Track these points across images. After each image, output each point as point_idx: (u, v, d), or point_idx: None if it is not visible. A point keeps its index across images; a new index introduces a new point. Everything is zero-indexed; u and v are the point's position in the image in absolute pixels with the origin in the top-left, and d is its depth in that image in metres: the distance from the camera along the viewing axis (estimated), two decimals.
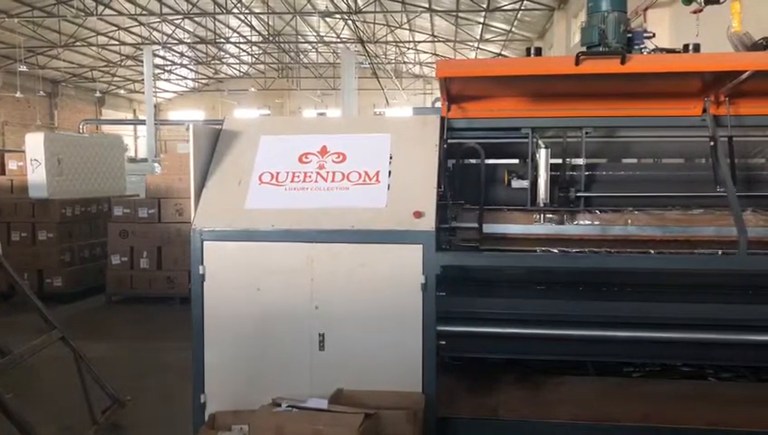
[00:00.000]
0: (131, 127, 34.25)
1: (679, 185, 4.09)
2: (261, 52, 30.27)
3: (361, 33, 23.57)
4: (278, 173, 3.80)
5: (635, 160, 4.38)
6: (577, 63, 3.28)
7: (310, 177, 3.79)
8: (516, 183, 4.14)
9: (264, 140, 3.95)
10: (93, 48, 26.21)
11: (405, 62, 32.61)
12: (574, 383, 4.11)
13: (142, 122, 23.85)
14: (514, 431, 3.70)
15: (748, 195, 3.97)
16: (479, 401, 3.92)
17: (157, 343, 6.66)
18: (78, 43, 24.69)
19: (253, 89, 34.44)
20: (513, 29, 23.13)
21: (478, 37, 25.30)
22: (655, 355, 3.96)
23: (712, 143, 3.73)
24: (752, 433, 3.58)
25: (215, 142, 3.98)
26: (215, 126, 4.06)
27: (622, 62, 3.23)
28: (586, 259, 3.67)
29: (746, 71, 3.31)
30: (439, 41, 27.04)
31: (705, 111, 3.79)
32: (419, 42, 27.52)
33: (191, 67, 32.67)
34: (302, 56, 31.41)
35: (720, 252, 3.68)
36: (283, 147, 3.91)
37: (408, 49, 29.33)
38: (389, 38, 26.35)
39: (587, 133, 4.04)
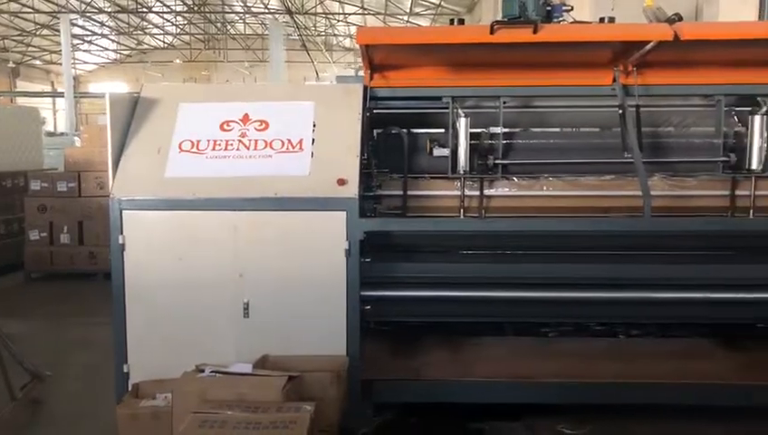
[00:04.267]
0: (50, 100, 32.73)
1: (593, 152, 4.26)
2: (186, 22, 29.36)
3: (290, 4, 23.19)
4: (199, 141, 3.77)
5: (552, 129, 4.52)
6: (492, 32, 3.37)
7: (232, 145, 3.77)
8: (438, 151, 4.23)
9: (184, 107, 3.90)
10: (5, 15, 24.83)
11: (335, 35, 32.31)
12: (493, 344, 4.28)
13: (60, 95, 22.80)
14: (435, 390, 3.83)
15: (656, 161, 4.19)
16: (402, 363, 4.04)
17: (79, 319, 6.50)
18: None
19: (178, 60, 33.44)
20: (443, 2, 23.23)
21: (408, 10, 25.30)
22: (567, 315, 4.17)
23: (620, 111, 3.91)
24: (654, 384, 3.84)
25: (133, 111, 3.90)
26: (132, 94, 3.98)
27: (534, 32, 3.34)
28: (502, 223, 3.81)
29: (650, 41, 3.48)
30: (369, 13, 26.90)
31: (615, 80, 3.96)
32: (349, 14, 27.30)
33: (112, 37, 31.42)
34: (228, 27, 30.67)
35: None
36: (204, 115, 3.87)
37: (338, 21, 29.07)
38: (319, 10, 26.03)
39: (504, 102, 4.16)
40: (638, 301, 3.96)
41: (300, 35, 26.67)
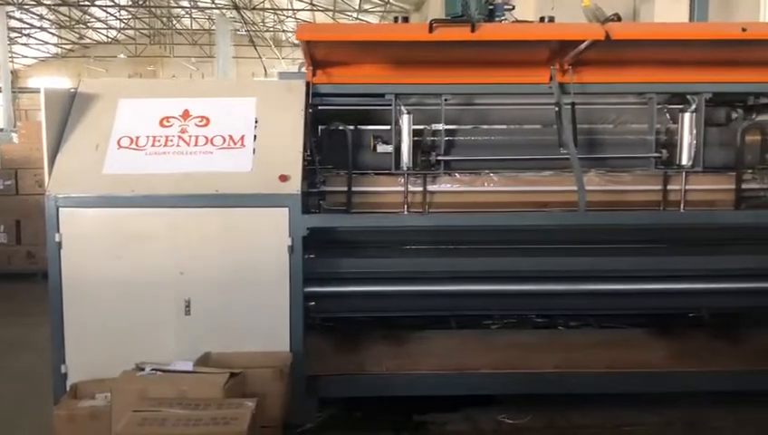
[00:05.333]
0: None
1: (533, 149, 4.36)
2: (130, 16, 28.65)
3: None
4: (138, 137, 3.71)
5: (493, 127, 4.60)
6: (430, 31, 3.41)
7: (171, 141, 3.73)
8: (381, 148, 4.27)
9: (123, 103, 3.84)
10: None
11: (284, 31, 32.02)
12: (437, 337, 4.33)
13: None
14: (379, 384, 3.88)
15: (592, 157, 4.32)
16: (347, 358, 4.07)
17: (16, 320, 6.31)
18: None
19: (122, 55, 32.63)
20: (391, 0, 23.29)
21: (357, 7, 25.27)
22: (509, 307, 4.28)
23: (557, 109, 4.01)
24: (592, 373, 3.97)
25: (70, 106, 3.82)
26: (70, 89, 3.90)
27: (472, 31, 3.40)
28: (443, 218, 3.87)
29: (584, 41, 3.58)
30: (318, 9, 26.74)
31: (552, 79, 4.06)
32: (298, 10, 27.08)
33: (52, 31, 30.44)
34: (174, 22, 30.07)
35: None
36: (143, 110, 3.82)
37: (287, 17, 28.83)
38: (267, 5, 25.76)
39: (446, 100, 4.22)
40: (575, 293, 4.08)
41: (248, 31, 26.37)
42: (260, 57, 27.85)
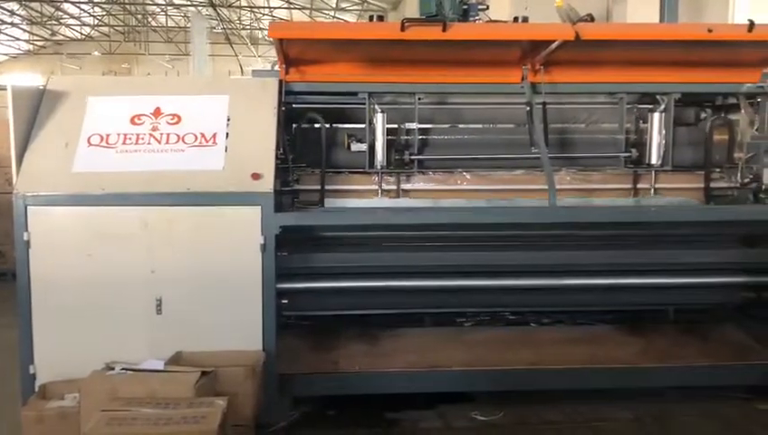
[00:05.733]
0: None
1: (506, 148, 4.39)
2: (104, 13, 28.29)
3: None
4: (108, 135, 3.68)
5: (467, 126, 4.63)
6: (402, 29, 3.43)
7: (143, 139, 3.70)
8: (355, 146, 4.28)
9: (93, 101, 3.80)
10: None
11: (261, 29, 31.84)
12: (410, 335, 4.37)
13: None
14: (353, 382, 3.89)
15: (563, 156, 4.37)
16: (321, 357, 4.07)
17: None
18: None
19: (96, 53, 32.21)
20: None
21: (334, 5, 25.21)
22: (481, 303, 4.32)
23: (528, 108, 4.05)
24: (564, 370, 4.01)
25: (38, 103, 3.77)
26: (38, 87, 3.85)
27: (443, 30, 3.42)
28: (416, 215, 3.89)
29: (554, 41, 3.62)
30: (295, 7, 26.64)
31: (523, 78, 4.10)
32: (275, 8, 26.95)
33: (24, 27, 29.95)
34: (149, 19, 29.75)
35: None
36: (114, 108, 3.78)
37: (264, 15, 28.67)
38: (243, 3, 25.58)
39: (420, 99, 4.24)
40: (547, 288, 4.14)
41: (224, 29, 26.17)
42: (236, 55, 27.65)
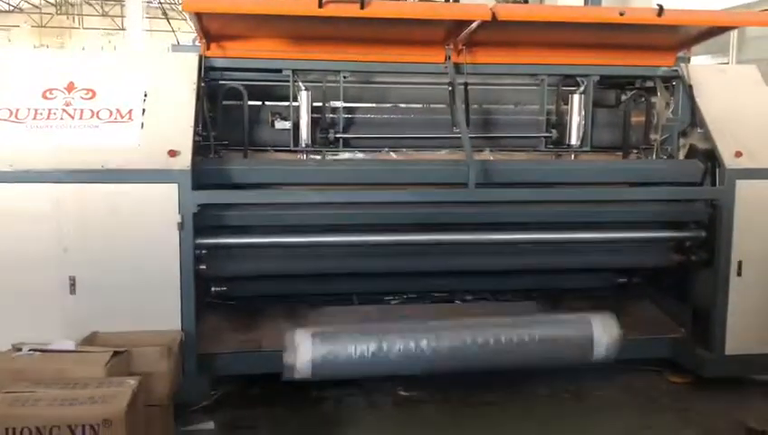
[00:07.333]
0: None
1: (432, 127, 4.42)
2: None
3: None
4: (18, 109, 3.54)
5: (392, 105, 4.65)
6: (320, 6, 3.40)
7: (55, 114, 3.58)
8: (280, 124, 4.24)
9: (1, 73, 3.65)
10: None
11: None
12: (338, 314, 4.37)
13: None
14: (276, 362, 3.87)
15: (486, 136, 4.43)
16: (245, 337, 4.05)
17: None
18: None
19: (26, 24, 30.88)
20: None
21: None
22: (404, 283, 4.38)
23: (450, 88, 4.08)
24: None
25: None
26: None
27: (361, 7, 3.41)
28: (337, 195, 3.88)
29: (474, 20, 3.65)
30: None
31: (447, 58, 4.12)
32: None
33: None
34: None
35: None
36: (24, 82, 3.65)
37: None
38: None
39: (345, 77, 4.22)
40: (470, 268, 4.21)
41: (161, 3, 25.44)
42: (173, 31, 26.95)
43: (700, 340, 4.11)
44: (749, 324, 4.01)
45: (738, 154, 3.94)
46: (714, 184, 4.01)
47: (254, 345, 3.96)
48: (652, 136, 4.50)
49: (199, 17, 3.60)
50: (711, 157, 4.04)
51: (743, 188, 3.90)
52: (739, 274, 3.94)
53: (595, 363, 3.74)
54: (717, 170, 3.98)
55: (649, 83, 4.56)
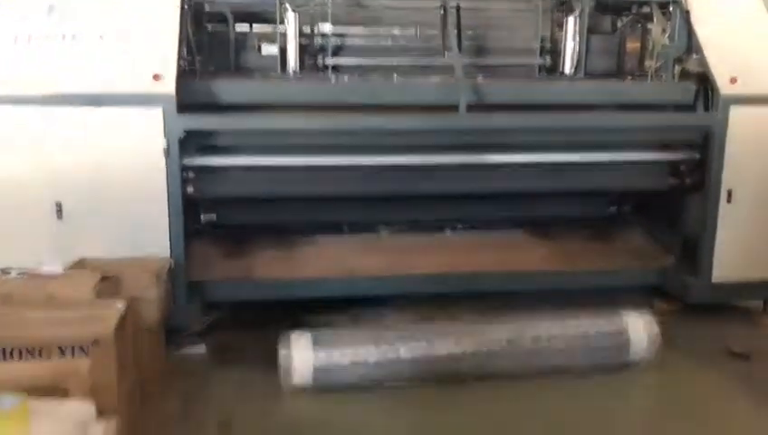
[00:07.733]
0: None
1: (424, 52, 4.32)
2: None
3: None
4: None
5: (384, 29, 4.51)
6: None
7: (37, 38, 3.48)
8: (266, 50, 4.13)
9: None
10: None
11: None
12: (328, 242, 4.37)
13: None
14: (266, 289, 3.90)
15: (479, 64, 4.32)
16: (234, 264, 4.06)
17: None
18: None
19: None
20: None
21: None
22: (395, 216, 4.36)
23: (442, 11, 3.96)
24: (473, 272, 4.12)
25: None
26: None
27: None
28: (327, 121, 3.81)
29: None
30: None
31: None
32: None
33: None
34: None
35: None
36: (2, 6, 3.53)
37: None
38: None
39: None
40: (462, 191, 4.17)
41: None
42: None
43: (688, 267, 4.14)
44: (736, 252, 4.03)
45: (733, 80, 3.88)
46: (707, 110, 3.96)
47: (244, 273, 3.97)
48: (647, 63, 4.40)
49: None
50: (705, 81, 3.97)
51: (736, 114, 3.86)
52: (729, 200, 3.94)
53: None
54: (711, 95, 3.92)
55: (646, 9, 4.44)
